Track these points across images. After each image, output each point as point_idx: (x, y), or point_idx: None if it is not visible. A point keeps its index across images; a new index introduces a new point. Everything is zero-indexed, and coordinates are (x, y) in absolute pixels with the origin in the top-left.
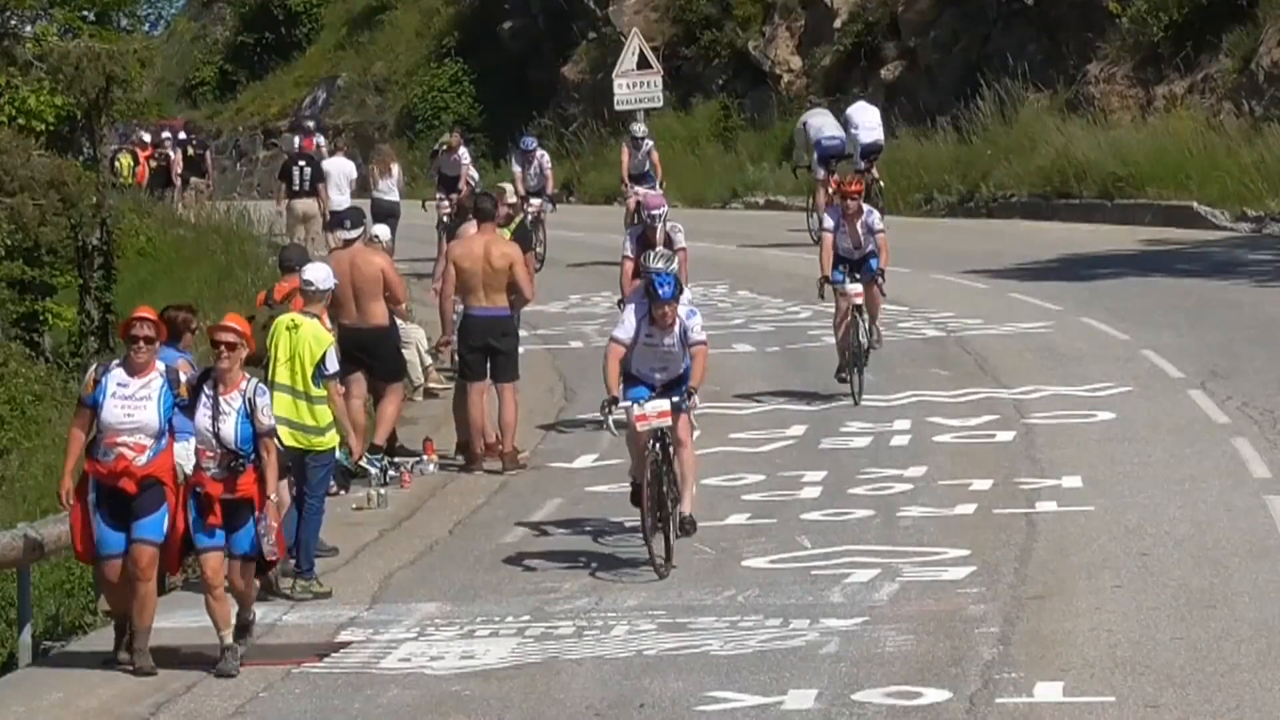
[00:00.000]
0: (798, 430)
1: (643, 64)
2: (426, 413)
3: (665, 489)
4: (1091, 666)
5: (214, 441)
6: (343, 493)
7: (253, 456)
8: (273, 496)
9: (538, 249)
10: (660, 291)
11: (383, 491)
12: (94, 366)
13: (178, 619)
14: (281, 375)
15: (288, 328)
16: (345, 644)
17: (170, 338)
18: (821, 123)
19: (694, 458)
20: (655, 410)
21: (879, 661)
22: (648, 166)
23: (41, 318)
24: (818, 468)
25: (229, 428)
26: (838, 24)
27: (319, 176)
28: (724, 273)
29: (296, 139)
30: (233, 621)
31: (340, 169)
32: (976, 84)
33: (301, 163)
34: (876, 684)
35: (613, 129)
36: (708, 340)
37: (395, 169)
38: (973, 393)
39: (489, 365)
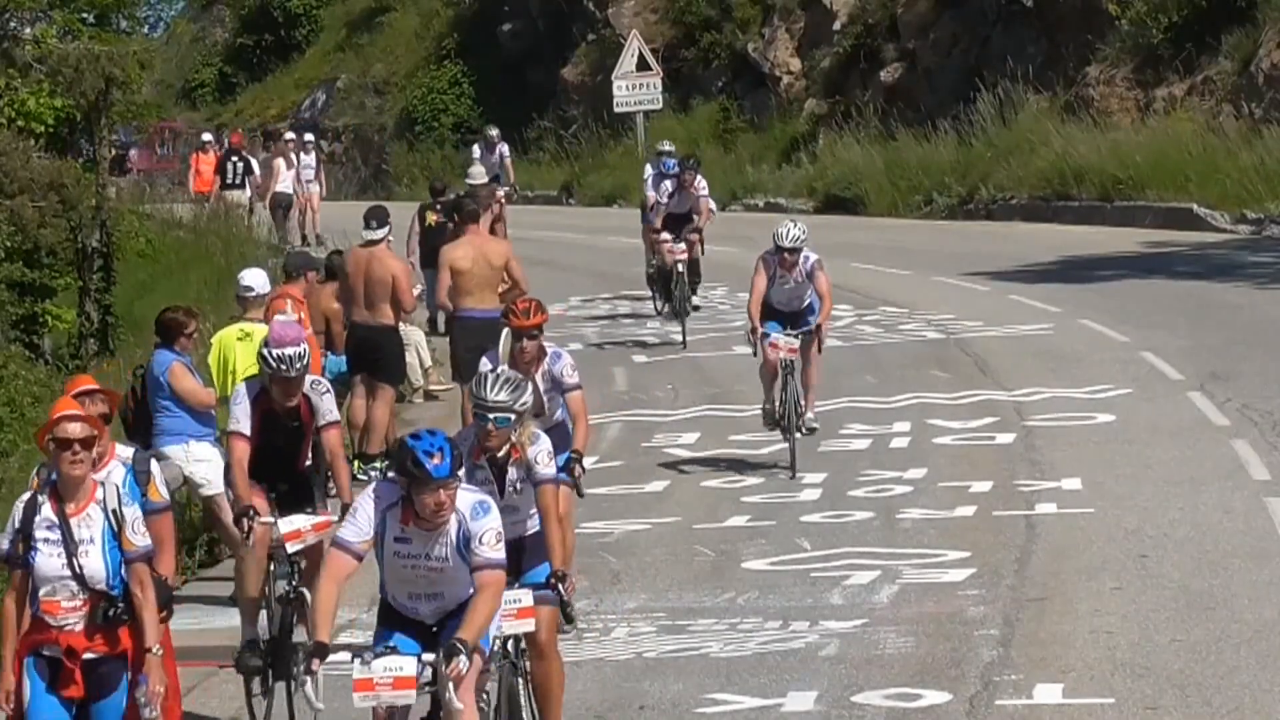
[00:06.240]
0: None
1: (642, 66)
2: (426, 415)
3: None
4: (1091, 668)
5: (76, 587)
6: None
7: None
8: (155, 650)
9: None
10: (429, 465)
11: None
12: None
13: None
14: None
15: (238, 338)
16: (345, 645)
17: (165, 341)
18: None
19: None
20: (387, 673)
21: (879, 663)
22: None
23: (41, 320)
24: (818, 469)
25: (95, 561)
26: (837, 26)
27: (249, 170)
28: (723, 275)
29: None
30: None
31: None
32: (976, 86)
33: (234, 158)
34: (876, 686)
35: (612, 131)
36: (505, 567)
37: (295, 160)
38: (973, 395)
39: None
